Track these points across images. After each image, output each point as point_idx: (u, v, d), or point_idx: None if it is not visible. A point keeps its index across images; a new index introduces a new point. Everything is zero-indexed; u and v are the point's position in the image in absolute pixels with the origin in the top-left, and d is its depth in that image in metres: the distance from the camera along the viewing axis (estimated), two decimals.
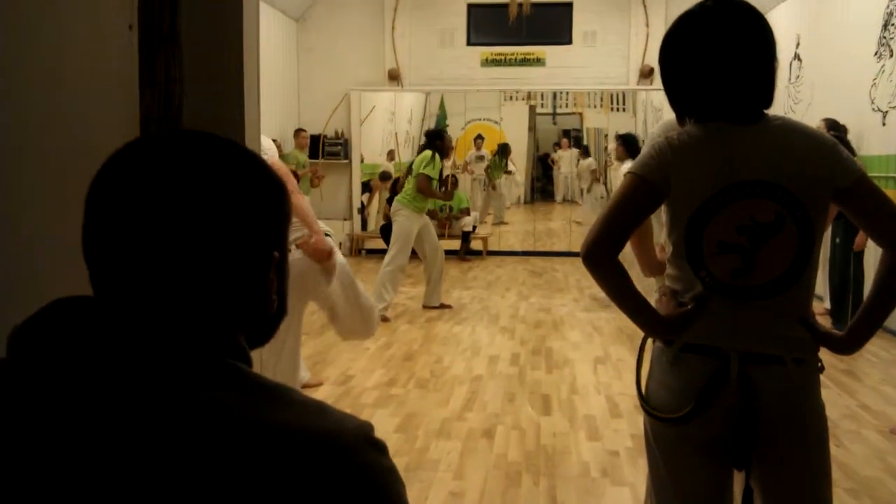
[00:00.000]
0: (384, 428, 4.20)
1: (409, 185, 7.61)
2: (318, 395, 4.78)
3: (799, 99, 9.06)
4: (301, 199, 3.92)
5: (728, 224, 1.70)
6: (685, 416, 1.72)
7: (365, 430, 0.80)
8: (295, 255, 4.71)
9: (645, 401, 1.83)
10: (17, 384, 0.76)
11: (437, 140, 7.76)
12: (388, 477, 0.80)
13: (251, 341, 0.89)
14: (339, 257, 3.73)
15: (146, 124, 2.03)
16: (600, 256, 1.73)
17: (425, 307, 7.74)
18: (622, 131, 14.13)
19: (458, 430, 4.30)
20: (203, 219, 0.81)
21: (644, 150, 1.83)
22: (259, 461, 0.73)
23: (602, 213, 1.76)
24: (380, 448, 0.81)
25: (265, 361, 4.06)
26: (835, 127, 6.94)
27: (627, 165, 7.37)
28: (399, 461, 3.74)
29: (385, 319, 7.02)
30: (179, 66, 2.07)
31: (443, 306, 7.76)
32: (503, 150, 13.45)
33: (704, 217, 1.71)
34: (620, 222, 1.75)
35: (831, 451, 1.81)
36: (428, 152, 7.61)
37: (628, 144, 7.71)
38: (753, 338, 1.71)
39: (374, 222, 12.66)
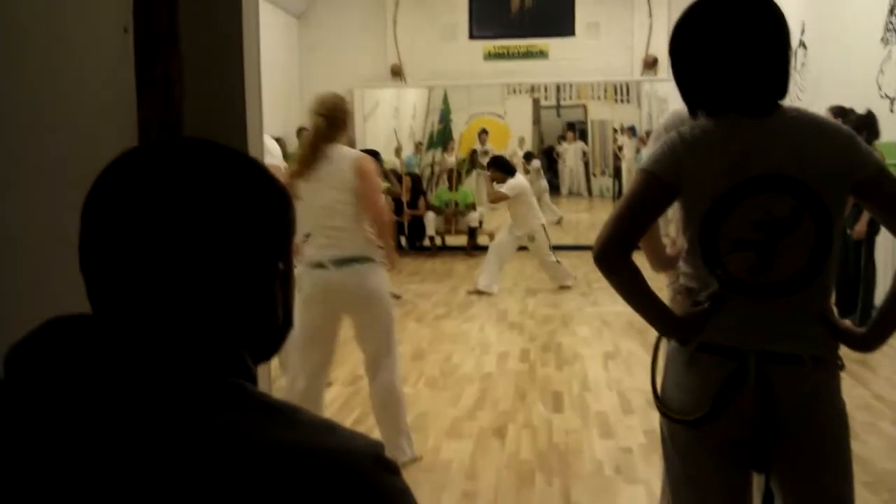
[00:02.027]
0: None
1: None
2: (329, 395, 4.74)
3: (805, 87, 8.98)
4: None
5: (744, 220, 1.65)
6: (702, 417, 1.68)
7: (375, 449, 0.77)
8: None
9: (661, 402, 1.79)
10: (14, 406, 0.73)
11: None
12: (401, 498, 0.77)
13: (257, 356, 0.86)
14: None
15: (146, 127, 1.99)
16: (613, 257, 1.68)
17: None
18: (627, 123, 14.17)
19: (469, 429, 4.26)
20: (205, 231, 0.77)
21: (655, 146, 1.78)
22: (267, 483, 0.69)
23: (613, 212, 1.71)
24: (391, 468, 0.77)
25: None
26: (842, 113, 6.88)
27: (510, 183, 8.12)
28: (411, 461, 3.71)
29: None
30: (179, 68, 2.03)
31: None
32: (471, 158, 13.25)
33: (719, 213, 1.66)
34: (633, 221, 1.70)
35: None
36: None
37: (501, 166, 8.45)
38: (771, 336, 1.66)
39: None
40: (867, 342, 1.72)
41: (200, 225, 0.77)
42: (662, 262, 2.26)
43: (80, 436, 0.70)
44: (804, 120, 1.71)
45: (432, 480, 3.58)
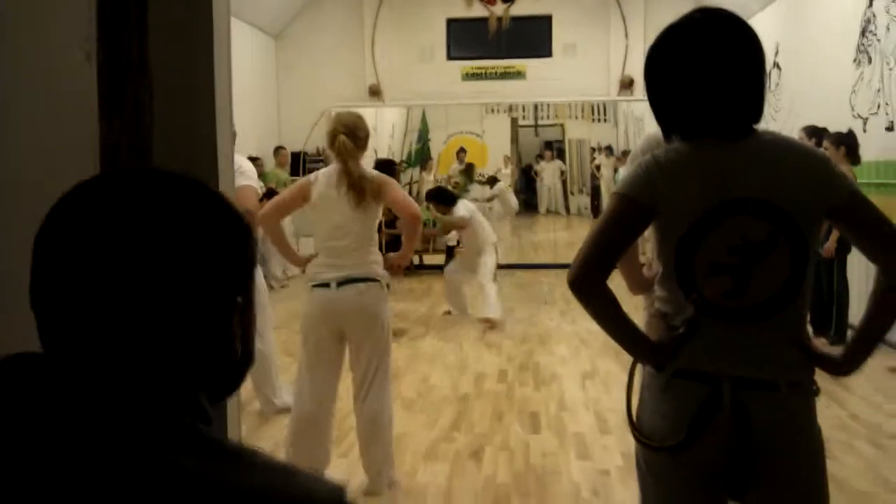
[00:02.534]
0: None
1: None
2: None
3: (779, 107, 9.08)
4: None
5: (719, 244, 1.64)
6: (677, 445, 1.66)
7: (337, 493, 0.74)
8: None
9: (636, 429, 1.77)
10: None
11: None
12: None
13: (216, 393, 0.83)
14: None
15: (114, 154, 1.95)
16: (588, 283, 1.67)
17: None
18: (604, 142, 14.28)
19: (445, 451, 4.23)
20: (160, 265, 0.75)
21: (630, 168, 1.77)
22: None
23: (589, 237, 1.69)
24: None
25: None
26: (816, 133, 6.95)
27: (463, 207, 7.73)
28: (389, 486, 3.66)
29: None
30: (149, 93, 2.00)
31: None
32: (468, 171, 13.23)
33: (695, 237, 1.65)
34: (609, 245, 1.69)
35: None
36: None
37: (441, 199, 8.12)
38: (746, 362, 1.65)
39: None
40: (844, 366, 1.72)
41: (155, 259, 0.75)
42: (640, 284, 2.25)
43: (31, 483, 0.67)
44: (779, 144, 1.70)
45: None
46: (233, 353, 0.82)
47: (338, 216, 3.52)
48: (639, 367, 1.83)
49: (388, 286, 3.68)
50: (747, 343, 1.66)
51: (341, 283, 3.50)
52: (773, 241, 1.63)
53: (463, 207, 7.92)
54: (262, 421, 4.80)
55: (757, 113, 1.72)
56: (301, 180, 3.77)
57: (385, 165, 8.28)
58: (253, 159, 10.29)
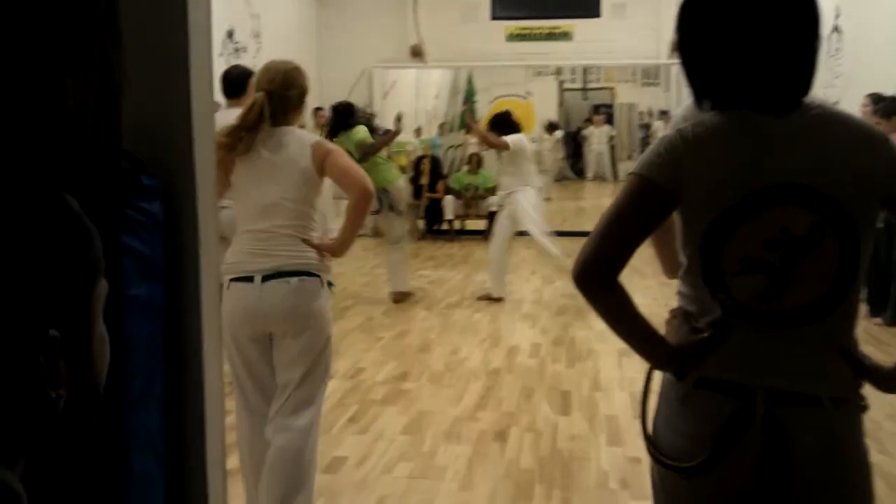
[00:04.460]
0: (391, 429, 3.96)
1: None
2: (326, 389, 4.52)
3: (839, 72, 8.59)
4: None
5: (754, 237, 1.40)
6: (698, 466, 1.44)
7: None
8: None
9: (651, 443, 1.55)
10: None
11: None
12: None
13: (44, 455, 0.63)
14: None
15: (81, 115, 1.78)
16: (597, 279, 1.44)
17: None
18: (655, 106, 13.81)
19: (468, 431, 4.04)
20: None
21: (652, 145, 1.53)
22: None
23: (599, 224, 1.46)
24: None
25: None
26: (881, 101, 6.53)
27: (514, 136, 6.96)
28: (403, 467, 3.52)
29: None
30: (118, 49, 1.81)
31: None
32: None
33: (725, 228, 1.41)
34: (621, 236, 1.45)
35: (872, 459, 1.51)
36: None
37: (503, 126, 7.23)
38: (783, 373, 1.42)
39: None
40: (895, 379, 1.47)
41: None
42: (676, 266, 1.99)
43: None
44: (830, 119, 1.44)
45: (423, 489, 3.36)
46: (46, 407, 0.61)
47: (260, 192, 2.76)
48: (657, 371, 1.60)
49: (329, 284, 2.88)
50: (784, 351, 1.42)
51: (269, 276, 2.73)
52: (818, 235, 1.39)
53: (515, 137, 7.12)
54: None
55: (806, 83, 1.46)
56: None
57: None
58: None
